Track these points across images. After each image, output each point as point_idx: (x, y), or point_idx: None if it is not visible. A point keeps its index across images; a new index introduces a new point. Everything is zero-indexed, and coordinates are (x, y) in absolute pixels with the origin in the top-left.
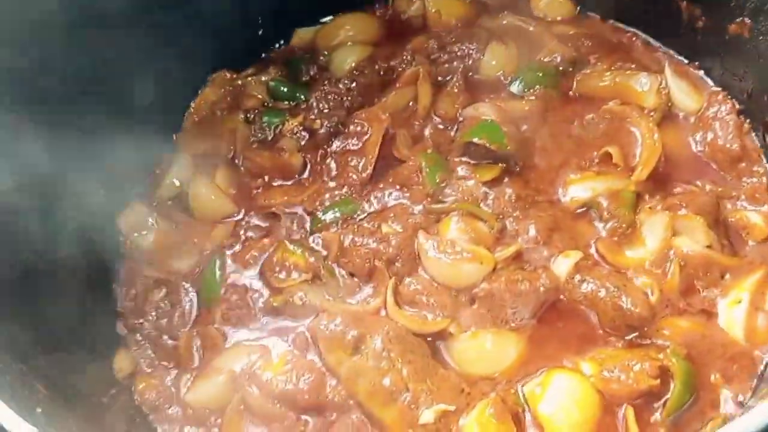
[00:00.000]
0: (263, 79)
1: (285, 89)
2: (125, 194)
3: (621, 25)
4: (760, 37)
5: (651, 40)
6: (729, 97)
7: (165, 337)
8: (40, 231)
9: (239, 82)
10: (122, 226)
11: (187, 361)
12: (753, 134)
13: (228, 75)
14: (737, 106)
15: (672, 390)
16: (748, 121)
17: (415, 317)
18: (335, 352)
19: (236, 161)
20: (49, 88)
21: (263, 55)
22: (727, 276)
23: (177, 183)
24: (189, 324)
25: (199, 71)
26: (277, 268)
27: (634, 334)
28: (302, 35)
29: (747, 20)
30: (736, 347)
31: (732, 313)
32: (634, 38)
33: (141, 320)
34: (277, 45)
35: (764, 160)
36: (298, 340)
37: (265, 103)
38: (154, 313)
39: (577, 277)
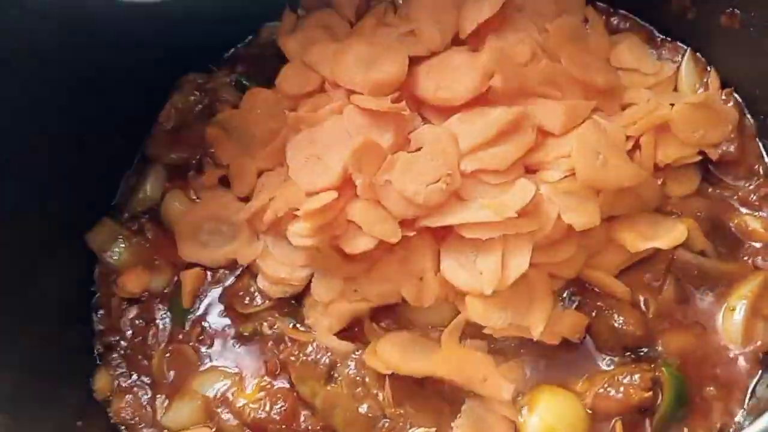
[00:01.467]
0: (232, 78)
1: (250, 83)
2: (94, 211)
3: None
4: (751, 29)
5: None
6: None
7: (140, 356)
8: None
9: (209, 85)
10: (92, 244)
11: (161, 380)
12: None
13: (197, 78)
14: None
15: (662, 401)
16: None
17: None
18: (308, 382)
19: (204, 167)
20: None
21: (232, 50)
22: (724, 282)
23: (149, 195)
24: (162, 343)
25: (166, 76)
26: (241, 293)
27: (629, 354)
28: (272, 30)
29: (737, 11)
30: (731, 356)
31: (729, 320)
32: None
33: (117, 338)
34: (246, 41)
35: (763, 161)
36: (270, 368)
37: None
38: (129, 332)
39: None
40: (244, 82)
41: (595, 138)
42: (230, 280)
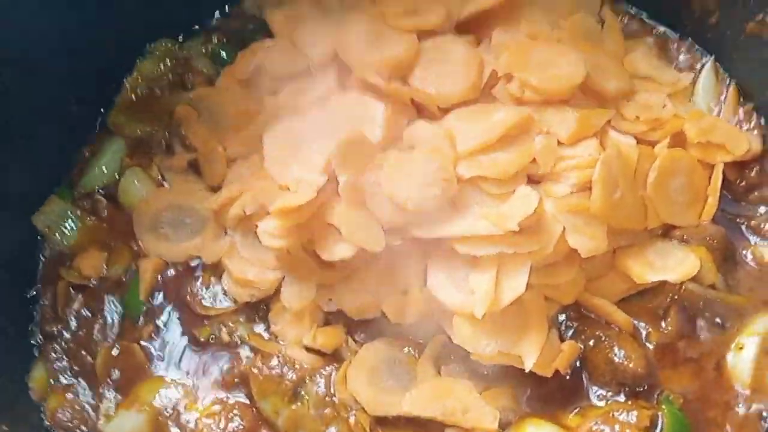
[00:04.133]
0: (208, 48)
1: (228, 56)
2: (43, 185)
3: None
4: None
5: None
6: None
7: (84, 351)
8: None
9: (182, 53)
10: (38, 224)
11: (105, 380)
12: None
13: (169, 45)
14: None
15: None
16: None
17: None
18: (271, 398)
19: (174, 148)
20: None
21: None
22: (733, 318)
23: (105, 171)
24: (110, 338)
25: (137, 40)
26: (203, 291)
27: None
28: (255, 1)
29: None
30: (739, 400)
31: (736, 359)
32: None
33: (59, 327)
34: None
35: None
36: (227, 380)
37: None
38: (73, 322)
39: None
40: (222, 53)
41: (617, 167)
42: (192, 275)
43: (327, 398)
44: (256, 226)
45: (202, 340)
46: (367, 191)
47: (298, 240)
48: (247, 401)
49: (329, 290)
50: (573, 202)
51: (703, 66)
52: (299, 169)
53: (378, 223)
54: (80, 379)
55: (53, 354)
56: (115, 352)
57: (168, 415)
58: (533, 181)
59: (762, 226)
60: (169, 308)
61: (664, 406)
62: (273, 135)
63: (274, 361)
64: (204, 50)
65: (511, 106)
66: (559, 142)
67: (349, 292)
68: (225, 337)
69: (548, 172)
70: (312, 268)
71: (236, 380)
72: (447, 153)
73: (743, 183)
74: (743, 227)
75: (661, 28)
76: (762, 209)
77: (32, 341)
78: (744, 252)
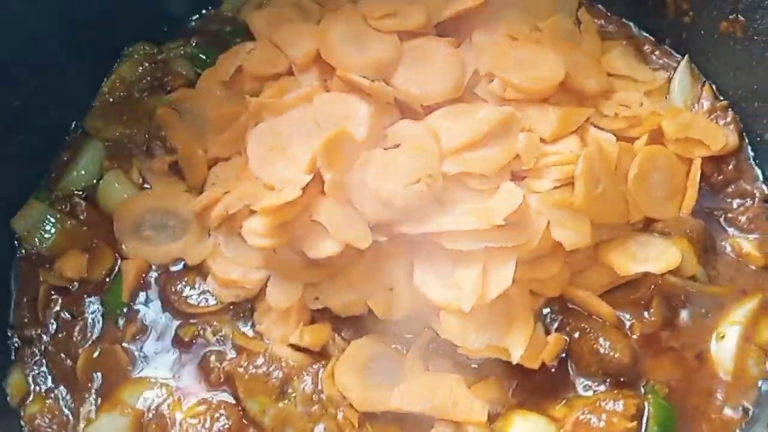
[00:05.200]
0: (187, 51)
1: (208, 58)
2: (22, 189)
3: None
4: (755, 37)
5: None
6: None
7: (63, 354)
8: None
9: (161, 56)
10: (17, 227)
11: (86, 384)
12: (748, 149)
13: (147, 48)
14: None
15: None
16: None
17: None
18: (257, 397)
19: (154, 151)
20: None
21: (189, 22)
22: (714, 308)
23: (84, 174)
24: (90, 340)
25: (114, 43)
26: (187, 290)
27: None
28: (234, 3)
29: (741, 18)
30: (721, 388)
31: (718, 347)
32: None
33: (38, 331)
34: (203, 11)
35: (758, 180)
36: (212, 380)
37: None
38: (53, 325)
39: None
40: (202, 56)
41: (599, 163)
42: (176, 276)
43: (314, 395)
44: (240, 226)
45: (186, 339)
46: (353, 188)
47: (284, 239)
48: (233, 401)
49: (316, 288)
50: (556, 197)
51: (678, 64)
52: (284, 168)
53: (364, 219)
54: (60, 384)
55: (31, 359)
56: (96, 354)
57: (151, 417)
58: (517, 177)
59: (739, 218)
60: (152, 309)
61: (649, 395)
62: (257, 135)
63: (260, 360)
64: (183, 52)
65: (494, 104)
66: (541, 139)
67: (335, 290)
68: (210, 337)
69: (531, 168)
70: (298, 266)
71: (221, 379)
72: (432, 150)
73: (720, 177)
74: (721, 219)
75: (636, 29)
76: (738, 201)
77: (9, 345)
78: (723, 243)
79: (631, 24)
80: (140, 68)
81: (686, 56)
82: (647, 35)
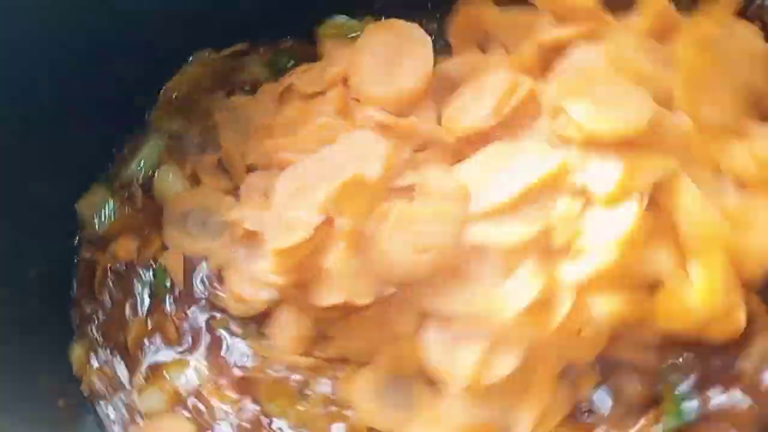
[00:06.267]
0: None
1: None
2: (86, 175)
3: None
4: None
5: None
6: None
7: (115, 328)
8: None
9: (228, 61)
10: (81, 209)
11: (137, 356)
12: None
13: (214, 55)
14: None
15: None
16: None
17: None
18: (277, 400)
19: (207, 149)
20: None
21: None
22: None
23: (143, 165)
24: (141, 315)
25: (184, 47)
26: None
27: None
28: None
29: None
30: None
31: None
32: None
33: (95, 308)
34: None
35: None
36: (234, 384)
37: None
38: (108, 303)
39: None
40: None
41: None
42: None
43: (332, 396)
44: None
45: (216, 334)
46: (367, 239)
47: (297, 278)
48: (258, 406)
49: (327, 325)
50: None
51: None
52: (299, 206)
53: (372, 273)
54: (115, 354)
55: (90, 334)
56: (145, 329)
57: (188, 396)
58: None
59: None
60: (193, 299)
61: None
62: (287, 177)
63: (279, 366)
64: (260, 60)
65: (544, 148)
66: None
67: (348, 332)
68: (231, 336)
69: (565, 244)
70: (309, 305)
71: (242, 382)
72: (456, 214)
73: None
74: None
75: None
76: None
77: (71, 321)
78: None
79: None
80: (207, 71)
81: None
82: None
